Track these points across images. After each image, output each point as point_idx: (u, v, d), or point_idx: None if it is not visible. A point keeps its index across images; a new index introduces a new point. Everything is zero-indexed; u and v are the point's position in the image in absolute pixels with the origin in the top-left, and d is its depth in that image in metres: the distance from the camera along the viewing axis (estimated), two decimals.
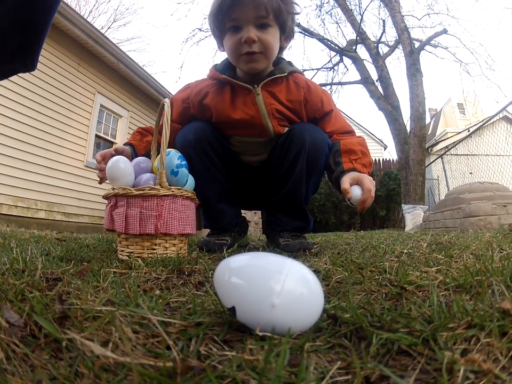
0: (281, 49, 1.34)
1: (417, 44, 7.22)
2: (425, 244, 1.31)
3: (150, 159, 1.21)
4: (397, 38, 7.48)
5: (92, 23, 6.03)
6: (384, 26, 8.19)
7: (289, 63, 1.39)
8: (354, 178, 1.13)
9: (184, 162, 1.11)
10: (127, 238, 1.03)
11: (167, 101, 1.05)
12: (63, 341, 0.34)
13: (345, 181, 1.12)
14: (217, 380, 0.28)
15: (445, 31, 7.79)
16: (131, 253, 1.01)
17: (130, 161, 1.12)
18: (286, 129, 1.33)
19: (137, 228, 0.98)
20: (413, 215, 5.53)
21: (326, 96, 1.40)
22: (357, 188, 1.11)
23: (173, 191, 1.02)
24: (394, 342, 0.35)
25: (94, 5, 17.68)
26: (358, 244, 1.59)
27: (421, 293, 0.55)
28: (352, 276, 0.71)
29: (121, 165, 1.05)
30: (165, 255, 1.01)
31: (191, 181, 1.17)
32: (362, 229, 7.14)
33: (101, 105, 6.20)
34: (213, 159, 1.29)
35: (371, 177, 1.15)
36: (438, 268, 0.75)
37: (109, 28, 17.78)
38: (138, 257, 0.99)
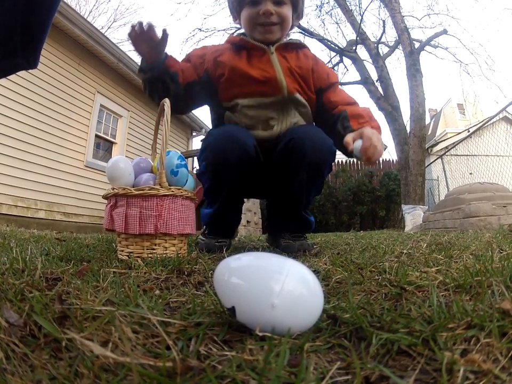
0: (292, 27, 1.41)
1: (417, 44, 7.22)
2: (425, 244, 1.31)
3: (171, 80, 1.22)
4: (397, 38, 7.48)
5: (92, 22, 6.02)
6: (384, 26, 8.20)
7: (299, 40, 1.46)
8: (358, 134, 1.12)
9: (184, 162, 1.11)
10: (127, 238, 1.03)
11: (166, 101, 1.05)
12: (62, 340, 0.34)
13: (348, 136, 1.13)
14: (217, 380, 0.28)
15: (445, 32, 7.80)
16: (131, 252, 1.01)
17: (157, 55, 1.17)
18: (298, 94, 1.32)
19: (137, 227, 0.98)
20: (413, 216, 5.52)
21: (332, 71, 1.49)
22: (360, 141, 1.09)
23: (172, 191, 1.02)
24: (394, 342, 0.35)
25: (94, 5, 17.67)
26: (357, 244, 1.59)
27: (420, 293, 0.55)
28: (352, 276, 0.71)
29: (121, 165, 1.05)
30: (164, 255, 1.01)
31: (190, 180, 1.17)
32: (362, 229, 7.13)
33: (101, 105, 6.20)
34: (244, 183, 1.29)
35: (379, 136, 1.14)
36: (437, 268, 0.75)
37: (109, 27, 17.76)
38: (138, 257, 0.99)
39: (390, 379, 0.29)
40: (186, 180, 1.13)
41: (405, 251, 1.08)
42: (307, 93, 1.37)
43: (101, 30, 6.21)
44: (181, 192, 1.04)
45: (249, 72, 1.29)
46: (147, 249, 1.02)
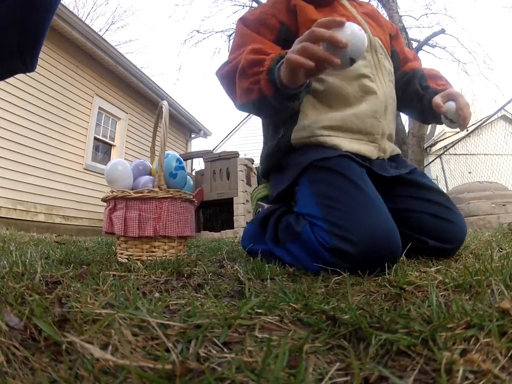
0: None
1: (415, 44, 7.23)
2: None
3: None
4: None
5: (90, 25, 6.02)
6: None
7: None
8: (445, 95, 1.00)
9: (182, 164, 1.11)
10: (126, 241, 1.03)
11: (165, 103, 1.05)
12: (62, 344, 0.34)
13: (437, 97, 1.01)
14: (216, 382, 0.28)
15: (442, 31, 7.81)
16: (130, 255, 1.01)
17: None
18: (380, 41, 1.07)
19: (136, 230, 0.98)
20: None
21: None
22: (452, 102, 0.99)
23: (171, 194, 1.02)
24: (393, 342, 0.35)
25: (92, 7, 17.70)
26: None
27: (420, 293, 0.55)
28: (351, 277, 0.71)
29: (119, 168, 1.05)
30: (164, 257, 1.01)
31: (189, 183, 1.17)
32: None
33: (100, 108, 6.20)
34: None
35: None
36: (437, 268, 0.75)
37: (107, 30, 17.75)
38: (137, 259, 0.99)
39: (389, 379, 0.29)
40: (185, 182, 1.13)
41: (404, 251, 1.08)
42: (387, 42, 1.13)
43: (99, 33, 6.22)
44: (180, 195, 1.04)
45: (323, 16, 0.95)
46: (146, 252, 1.02)
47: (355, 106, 1.00)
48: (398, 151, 1.15)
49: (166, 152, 1.04)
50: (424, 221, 0.97)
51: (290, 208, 1.00)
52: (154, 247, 1.02)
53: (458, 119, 0.96)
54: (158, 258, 0.97)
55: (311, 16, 1.00)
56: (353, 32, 0.70)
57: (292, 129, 1.03)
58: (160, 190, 1.01)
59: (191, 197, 1.11)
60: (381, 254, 0.76)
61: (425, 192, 1.03)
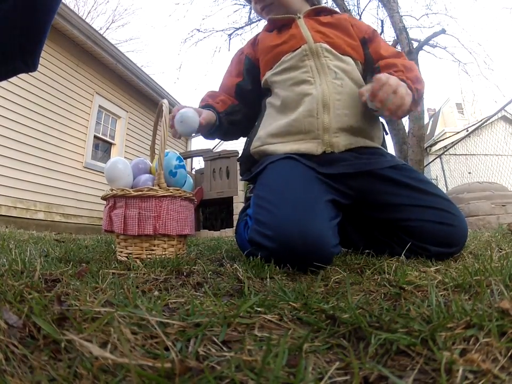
0: None
1: (415, 44, 7.22)
2: None
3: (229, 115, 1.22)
4: (396, 38, 7.47)
5: (90, 23, 6.02)
6: (382, 26, 8.20)
7: (328, 6, 1.39)
8: (374, 81, 0.95)
9: (182, 163, 1.11)
10: (126, 239, 1.03)
11: (165, 102, 1.05)
12: (62, 342, 0.34)
13: (365, 86, 1.01)
14: (215, 380, 0.28)
15: (443, 31, 7.80)
16: (130, 253, 1.01)
17: (214, 121, 1.17)
18: (327, 45, 1.13)
19: (136, 228, 0.98)
20: None
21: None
22: None
23: (171, 192, 1.01)
24: (393, 342, 0.35)
25: (93, 6, 17.63)
26: None
27: (419, 293, 0.55)
28: (351, 276, 0.71)
29: (119, 166, 1.05)
30: (163, 255, 1.01)
31: (189, 181, 1.16)
32: None
33: (100, 106, 6.20)
34: None
35: (404, 84, 0.94)
36: (436, 267, 0.75)
37: (107, 28, 17.75)
38: (137, 258, 0.98)
39: (389, 379, 0.29)
40: (185, 181, 1.13)
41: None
42: (345, 43, 1.16)
43: (99, 31, 6.21)
44: (180, 193, 1.04)
45: (276, 42, 1.19)
46: (146, 250, 1.02)
47: (295, 110, 1.08)
48: (367, 143, 1.09)
49: (166, 150, 1.04)
50: (425, 228, 0.95)
51: None
52: (154, 246, 1.02)
53: (381, 108, 0.91)
54: (157, 257, 0.97)
55: (269, 43, 1.21)
56: (181, 116, 1.05)
57: (252, 140, 1.17)
58: (160, 188, 1.01)
59: (191, 195, 1.11)
60: (296, 252, 0.78)
61: (422, 195, 0.99)
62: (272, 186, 0.95)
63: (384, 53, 1.19)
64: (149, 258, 0.98)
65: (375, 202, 1.02)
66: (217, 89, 1.33)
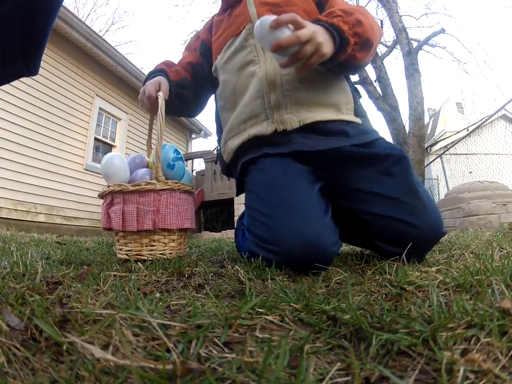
0: None
1: (415, 44, 7.22)
2: None
3: (183, 86, 1.18)
4: (395, 38, 7.48)
5: (90, 26, 6.03)
6: (382, 26, 8.20)
7: None
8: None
9: (180, 155, 1.08)
10: (125, 236, 1.01)
11: (160, 94, 1.03)
12: (63, 344, 0.34)
13: None
14: (217, 382, 0.28)
15: (442, 31, 7.80)
16: (129, 251, 0.98)
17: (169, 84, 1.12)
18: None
19: (135, 224, 0.96)
20: None
21: None
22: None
23: (170, 185, 0.99)
24: (394, 342, 0.35)
25: (92, 8, 17.73)
26: None
27: (420, 293, 0.55)
28: (352, 277, 0.71)
29: (115, 162, 1.02)
30: (164, 251, 0.99)
31: (188, 174, 1.14)
32: None
33: (100, 108, 6.20)
34: None
35: (320, 29, 0.82)
36: (437, 267, 0.75)
37: (107, 30, 17.76)
38: (137, 255, 0.97)
39: (390, 379, 0.29)
40: (184, 173, 1.10)
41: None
42: (299, 9, 1.03)
43: (99, 33, 6.22)
44: (179, 186, 1.01)
45: (224, 22, 1.15)
46: (146, 247, 0.99)
47: (244, 95, 1.03)
48: (328, 117, 0.97)
49: (163, 143, 1.02)
50: (378, 224, 0.89)
51: None
52: (154, 241, 1.00)
53: (285, 57, 0.82)
54: (158, 258, 0.95)
55: (218, 26, 1.17)
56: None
57: (221, 144, 1.16)
58: (158, 181, 0.98)
59: (190, 188, 1.08)
60: (297, 259, 0.78)
61: (386, 184, 0.90)
62: (260, 194, 0.92)
63: (333, 6, 1.04)
64: (149, 254, 0.97)
65: (334, 186, 0.95)
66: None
